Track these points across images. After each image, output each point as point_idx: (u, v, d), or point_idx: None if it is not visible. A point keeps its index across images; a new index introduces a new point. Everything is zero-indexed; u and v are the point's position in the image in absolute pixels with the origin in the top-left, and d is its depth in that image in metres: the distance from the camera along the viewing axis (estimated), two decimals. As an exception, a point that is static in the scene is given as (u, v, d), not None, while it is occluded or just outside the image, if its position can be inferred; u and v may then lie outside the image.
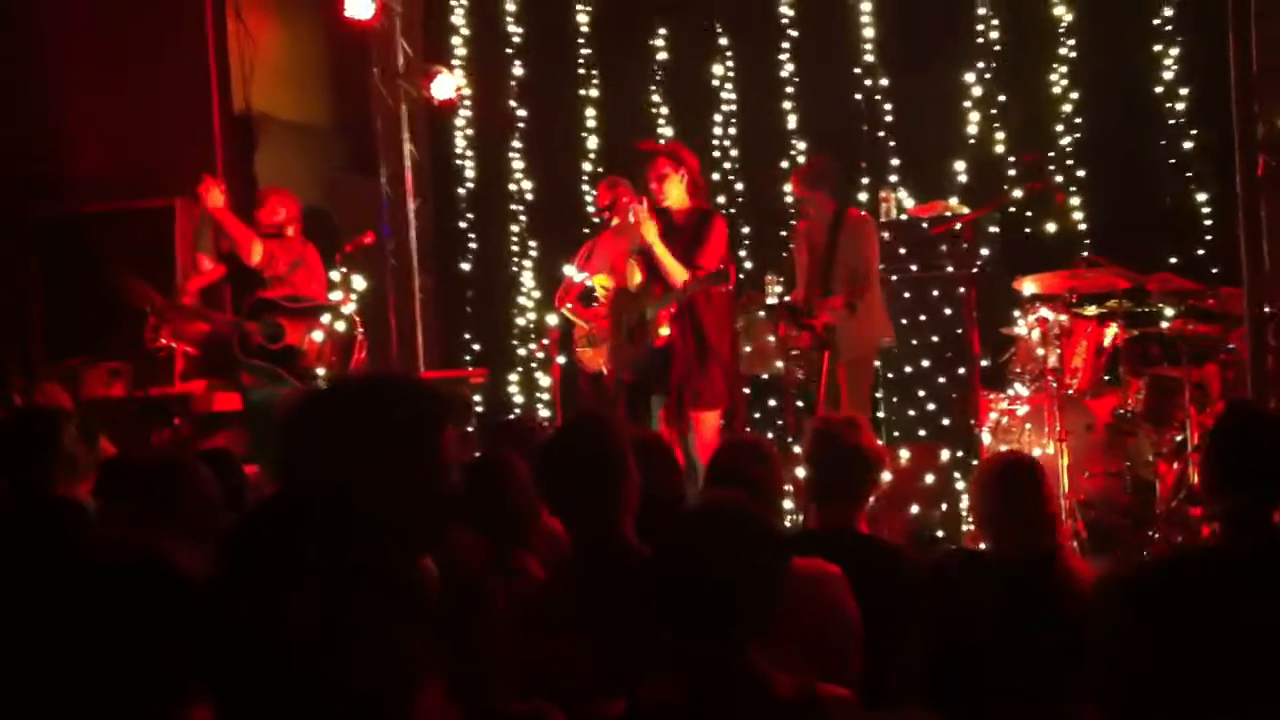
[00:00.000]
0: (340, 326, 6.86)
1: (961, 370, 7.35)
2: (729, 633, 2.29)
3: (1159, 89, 8.24)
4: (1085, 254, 7.13)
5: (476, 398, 8.59)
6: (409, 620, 1.61)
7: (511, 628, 2.59)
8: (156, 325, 6.89)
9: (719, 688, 2.26)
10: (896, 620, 2.86)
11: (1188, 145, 8.17)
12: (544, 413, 8.53)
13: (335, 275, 7.23)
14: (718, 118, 9.02)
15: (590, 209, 8.83)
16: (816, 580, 3.06)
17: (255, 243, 6.85)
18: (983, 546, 3.73)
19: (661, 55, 9.09)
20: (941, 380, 7.63)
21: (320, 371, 6.64)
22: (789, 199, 8.23)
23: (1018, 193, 7.56)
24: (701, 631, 2.30)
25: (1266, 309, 5.09)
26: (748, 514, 2.47)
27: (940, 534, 6.66)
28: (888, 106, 8.64)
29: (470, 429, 7.60)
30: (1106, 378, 7.05)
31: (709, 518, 2.46)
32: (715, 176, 8.80)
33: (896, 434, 7.66)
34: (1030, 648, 2.19)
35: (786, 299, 7.12)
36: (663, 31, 9.07)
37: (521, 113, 9.39)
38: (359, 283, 7.39)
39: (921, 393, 7.72)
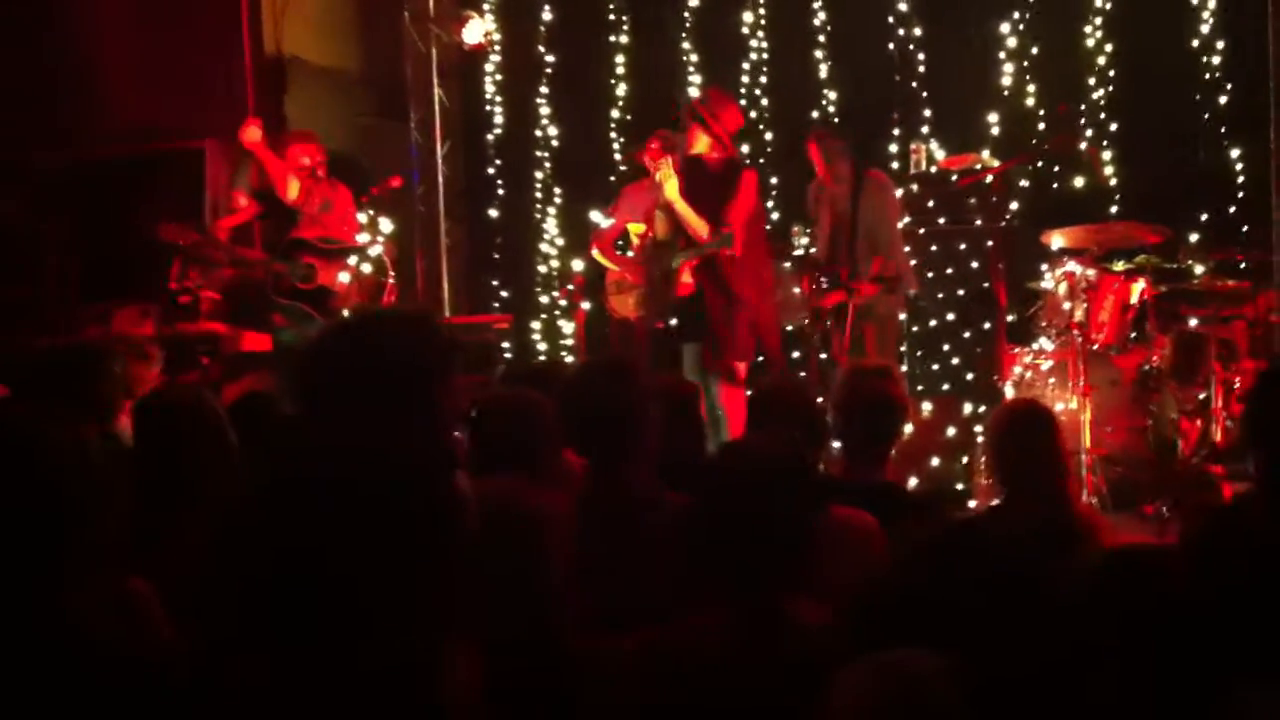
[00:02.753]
0: (368, 269, 6.90)
1: (987, 324, 7.33)
2: (764, 574, 2.32)
3: (1195, 42, 8.15)
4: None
5: (504, 344, 8.63)
6: (430, 569, 1.63)
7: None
8: (182, 270, 6.95)
9: (756, 625, 2.29)
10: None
11: (1222, 100, 8.09)
12: (568, 359, 8.57)
13: (363, 218, 7.26)
14: (747, 66, 8.97)
15: (618, 156, 8.83)
16: (857, 530, 3.08)
17: (292, 178, 6.90)
18: (995, 502, 3.73)
19: (693, 2, 9.03)
20: (967, 334, 7.61)
21: (347, 313, 6.69)
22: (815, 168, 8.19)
23: (1047, 146, 7.50)
24: (738, 569, 2.33)
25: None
26: (793, 458, 2.49)
27: (961, 486, 6.69)
28: (920, 57, 8.57)
29: (497, 374, 7.64)
30: (1133, 334, 7.02)
31: (754, 458, 2.47)
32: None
33: (920, 387, 7.66)
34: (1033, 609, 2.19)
35: (812, 252, 7.11)
36: (694, -22, 9.02)
37: (550, 59, 9.36)
38: (386, 226, 7.42)
39: (946, 346, 7.71)
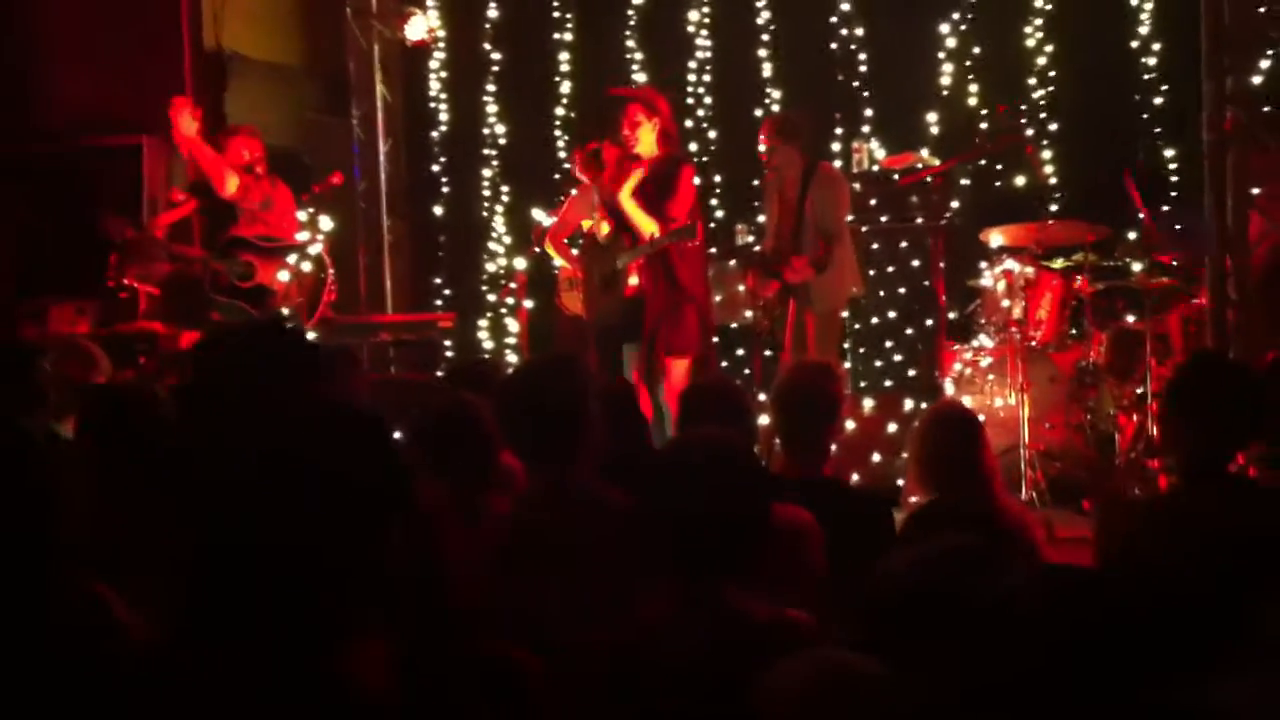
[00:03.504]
0: (307, 267, 6.84)
1: (929, 321, 7.40)
2: (714, 566, 2.33)
3: (1134, 43, 8.27)
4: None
5: (446, 342, 8.58)
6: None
7: (477, 570, 2.60)
8: (120, 265, 6.86)
9: (700, 617, 2.29)
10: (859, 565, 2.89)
11: (1159, 101, 8.21)
12: (511, 358, 8.54)
13: (303, 216, 7.20)
14: (693, 65, 8.99)
15: (563, 154, 8.82)
16: (794, 527, 3.08)
17: (230, 174, 6.78)
18: (914, 499, 3.76)
19: (638, 0, 9.03)
20: (909, 331, 7.68)
21: (286, 311, 6.63)
22: (761, 147, 8.21)
23: (988, 145, 7.57)
24: (688, 562, 2.33)
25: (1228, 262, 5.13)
26: (744, 452, 2.50)
27: (901, 482, 6.73)
28: (863, 56, 8.63)
29: (439, 373, 7.61)
30: (1071, 331, 7.10)
31: (707, 451, 2.47)
32: (689, 124, 8.78)
33: (863, 384, 7.72)
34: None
35: (757, 249, 7.14)
36: (639, -25, 9.03)
37: (496, 56, 9.33)
38: (326, 224, 7.36)
39: (888, 343, 7.78)
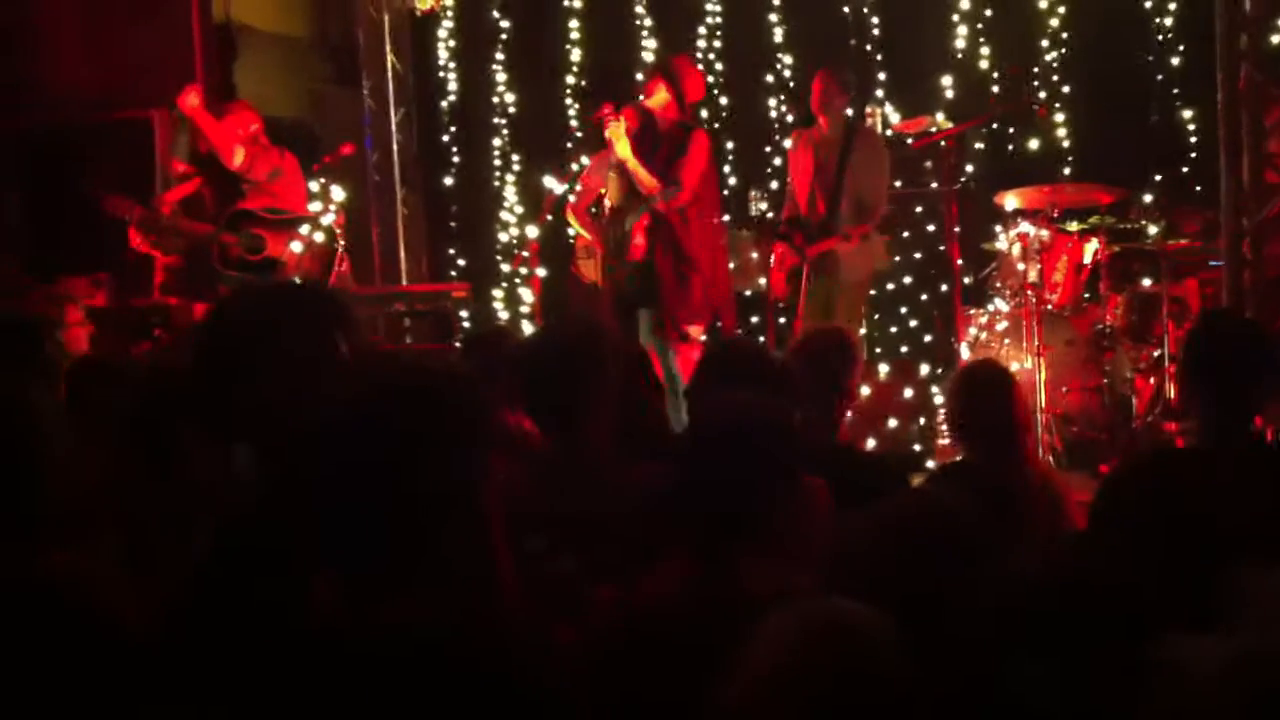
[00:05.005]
0: (319, 238, 6.83)
1: (944, 286, 7.36)
2: (735, 535, 2.31)
3: (1147, 3, 8.19)
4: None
5: (462, 312, 8.57)
6: None
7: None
8: (141, 238, 6.88)
9: (716, 585, 2.28)
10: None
11: (1175, 61, 8.13)
12: (526, 326, 8.53)
13: (314, 186, 7.18)
14: (703, 30, 8.93)
15: (574, 123, 8.78)
16: (807, 495, 3.06)
17: (236, 146, 6.79)
18: (958, 458, 3.75)
19: (647, -34, 8.97)
20: (924, 297, 7.67)
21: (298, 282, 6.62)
22: (773, 113, 8.18)
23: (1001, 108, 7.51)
24: (709, 530, 2.31)
25: (1245, 222, 5.08)
26: (784, 421, 2.47)
27: (918, 447, 6.72)
28: (875, 20, 8.56)
29: (456, 343, 7.59)
30: (1087, 294, 7.06)
31: (748, 418, 2.44)
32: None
33: (879, 350, 7.70)
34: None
35: (776, 218, 7.05)
36: (648, -58, 8.96)
37: (504, 24, 9.28)
38: (338, 194, 7.34)
39: (904, 309, 7.77)
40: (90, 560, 2.20)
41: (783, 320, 6.96)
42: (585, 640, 2.35)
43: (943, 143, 7.24)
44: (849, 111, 6.77)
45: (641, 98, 6.32)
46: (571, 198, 6.92)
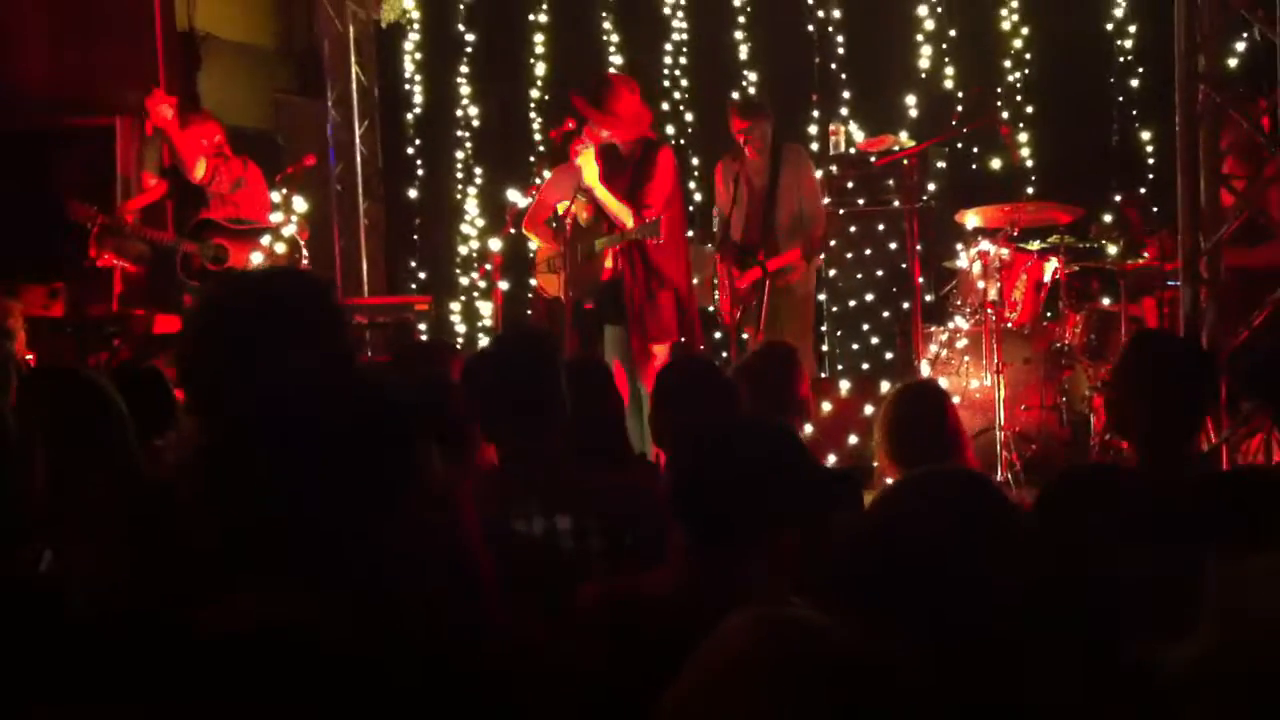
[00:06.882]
0: (281, 249, 6.80)
1: (905, 304, 7.40)
2: (733, 534, 2.30)
3: (1109, 25, 8.29)
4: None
5: (421, 325, 8.54)
6: None
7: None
8: (99, 241, 6.83)
9: (714, 587, 2.28)
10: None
11: (1134, 83, 8.22)
12: (484, 340, 8.51)
13: (276, 197, 7.15)
14: (669, 47, 8.96)
15: (537, 136, 8.78)
16: None
17: (199, 158, 6.78)
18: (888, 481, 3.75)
19: (614, -19, 9.00)
20: (885, 314, 7.71)
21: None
22: (737, 131, 8.17)
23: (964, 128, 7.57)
24: (706, 528, 2.31)
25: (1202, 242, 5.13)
26: (795, 438, 2.47)
27: (876, 464, 6.73)
28: (839, 39, 8.61)
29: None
30: (1047, 313, 7.11)
31: (760, 434, 2.44)
32: (665, 106, 8.77)
33: (840, 366, 7.73)
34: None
35: (732, 239, 7.07)
36: (615, -43, 8.99)
37: (470, 37, 9.28)
38: (300, 205, 7.31)
39: (865, 326, 7.81)
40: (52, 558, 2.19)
41: (745, 336, 6.98)
42: (575, 641, 2.34)
43: (905, 161, 7.28)
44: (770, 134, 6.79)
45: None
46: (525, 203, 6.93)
